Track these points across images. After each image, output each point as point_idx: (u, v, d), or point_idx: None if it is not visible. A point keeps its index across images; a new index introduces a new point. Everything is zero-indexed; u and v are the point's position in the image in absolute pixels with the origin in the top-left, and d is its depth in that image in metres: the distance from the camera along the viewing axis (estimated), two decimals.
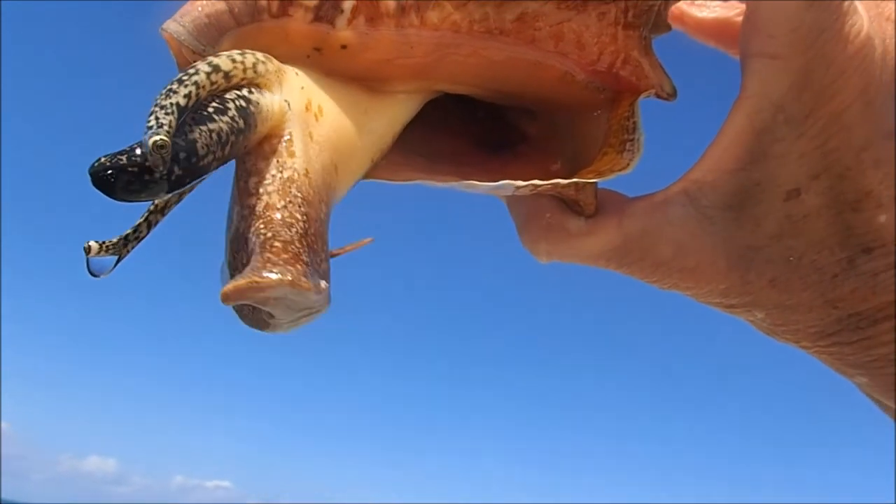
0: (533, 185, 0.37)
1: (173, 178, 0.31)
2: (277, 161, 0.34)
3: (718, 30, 0.48)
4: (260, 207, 0.33)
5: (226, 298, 0.30)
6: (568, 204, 0.42)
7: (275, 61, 0.35)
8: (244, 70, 0.34)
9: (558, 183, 0.37)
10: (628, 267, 0.43)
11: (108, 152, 0.31)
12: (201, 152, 0.31)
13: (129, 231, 0.36)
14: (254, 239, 0.32)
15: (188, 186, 0.32)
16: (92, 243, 0.35)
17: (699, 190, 0.40)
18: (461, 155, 0.44)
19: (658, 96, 0.42)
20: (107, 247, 0.35)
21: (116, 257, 0.36)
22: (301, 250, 0.32)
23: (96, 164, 0.30)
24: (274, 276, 0.30)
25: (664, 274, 0.42)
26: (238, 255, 0.33)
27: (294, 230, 0.32)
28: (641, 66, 0.41)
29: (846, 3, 0.37)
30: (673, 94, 0.43)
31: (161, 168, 0.30)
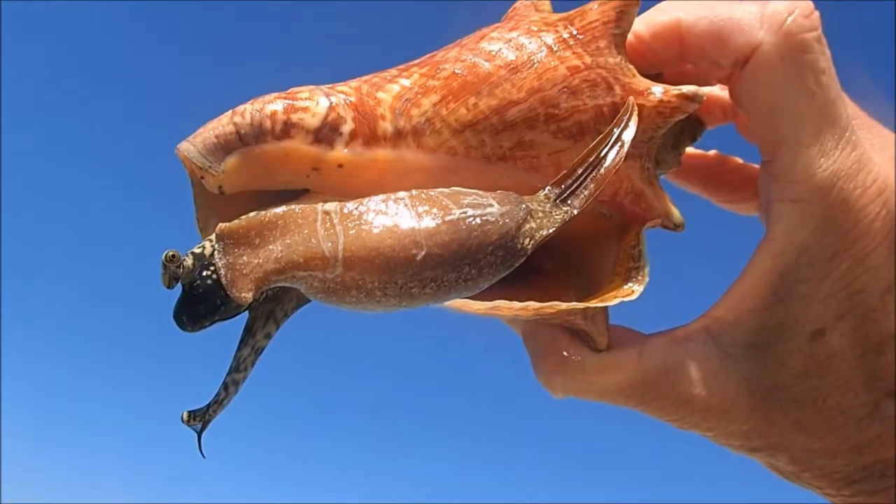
0: (529, 307, 0.37)
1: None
2: None
3: (705, 177, 0.50)
4: None
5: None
6: (582, 337, 0.41)
7: None
8: None
9: (555, 305, 0.37)
10: (648, 405, 0.41)
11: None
12: None
13: (211, 399, 0.37)
14: None
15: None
16: (184, 414, 0.36)
17: (721, 328, 0.40)
18: None
19: (665, 226, 0.42)
20: (194, 415, 0.36)
21: (200, 426, 0.36)
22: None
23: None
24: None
25: (685, 413, 0.41)
26: None
27: None
28: (645, 195, 0.41)
29: (857, 152, 0.38)
30: (680, 226, 0.42)
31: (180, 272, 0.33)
